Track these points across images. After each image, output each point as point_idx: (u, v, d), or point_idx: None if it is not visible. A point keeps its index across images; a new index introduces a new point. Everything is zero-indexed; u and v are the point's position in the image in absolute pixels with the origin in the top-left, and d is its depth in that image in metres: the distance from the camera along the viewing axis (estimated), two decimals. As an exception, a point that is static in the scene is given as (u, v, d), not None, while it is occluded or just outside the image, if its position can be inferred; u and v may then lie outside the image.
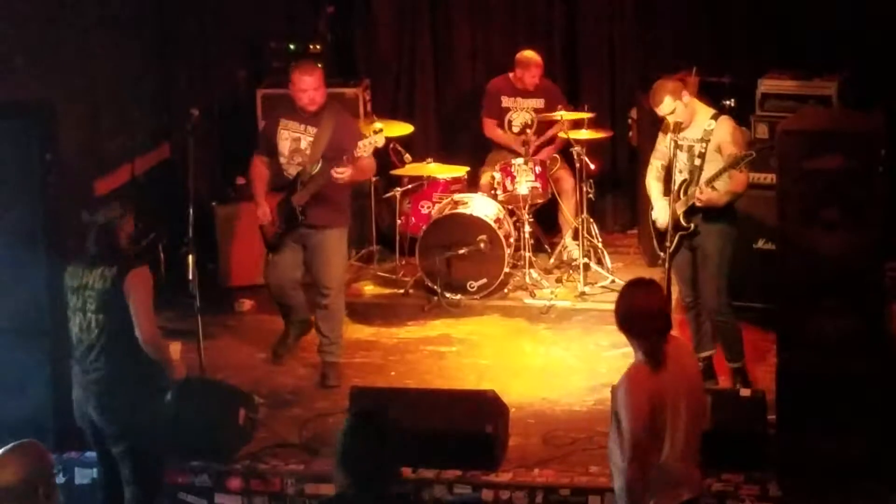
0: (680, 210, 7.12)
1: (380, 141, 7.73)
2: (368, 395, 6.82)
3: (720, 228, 7.17)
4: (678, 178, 7.16)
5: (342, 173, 7.49)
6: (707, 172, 7.03)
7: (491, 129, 9.73)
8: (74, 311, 5.97)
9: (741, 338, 7.37)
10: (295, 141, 7.72)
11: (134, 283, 5.87)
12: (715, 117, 7.15)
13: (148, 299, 5.94)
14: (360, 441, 4.36)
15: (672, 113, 7.09)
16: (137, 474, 5.95)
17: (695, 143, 7.11)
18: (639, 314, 5.03)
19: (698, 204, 7.05)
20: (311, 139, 7.68)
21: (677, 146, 7.14)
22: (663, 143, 7.27)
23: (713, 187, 6.99)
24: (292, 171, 7.73)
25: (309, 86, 7.66)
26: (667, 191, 7.24)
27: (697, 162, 7.08)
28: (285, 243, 7.80)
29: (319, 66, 7.98)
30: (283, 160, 7.75)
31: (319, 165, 7.63)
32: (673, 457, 5.06)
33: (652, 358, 5.04)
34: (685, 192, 7.11)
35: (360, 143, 7.62)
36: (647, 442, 4.97)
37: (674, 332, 5.19)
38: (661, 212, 7.28)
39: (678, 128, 7.13)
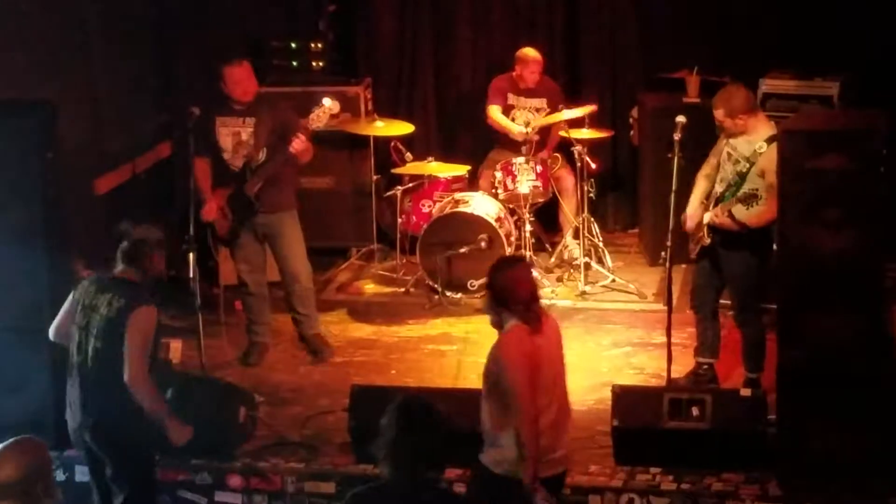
0: (705, 221, 7.09)
1: (335, 108, 7.99)
2: (369, 394, 6.82)
3: (742, 256, 7.07)
4: (718, 187, 7.10)
5: (301, 143, 7.67)
6: (742, 193, 6.93)
7: (495, 114, 9.59)
8: (78, 328, 5.84)
9: (762, 350, 7.26)
10: (235, 135, 7.86)
11: (137, 320, 5.71)
12: (770, 140, 6.88)
13: (143, 342, 5.75)
14: (409, 430, 4.35)
15: (721, 123, 7.00)
16: (131, 495, 5.88)
17: (741, 159, 6.97)
18: (510, 289, 5.40)
19: (713, 224, 7.02)
20: (251, 130, 7.82)
21: (728, 155, 7.04)
22: (721, 141, 7.15)
23: (730, 213, 6.93)
24: (238, 163, 7.86)
25: (241, 77, 7.82)
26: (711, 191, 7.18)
27: (737, 179, 6.97)
28: (241, 235, 7.93)
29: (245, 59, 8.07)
30: (226, 155, 7.88)
31: (265, 153, 7.80)
32: (548, 426, 5.34)
33: (528, 321, 5.36)
34: (715, 205, 7.05)
35: (314, 113, 7.85)
36: (533, 397, 5.28)
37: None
38: (691, 213, 7.19)
39: (729, 133, 7.04)
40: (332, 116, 8.14)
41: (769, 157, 6.79)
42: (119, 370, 5.71)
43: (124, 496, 5.86)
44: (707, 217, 7.08)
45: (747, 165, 6.94)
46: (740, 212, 6.92)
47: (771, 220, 6.82)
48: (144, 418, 5.81)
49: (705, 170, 7.24)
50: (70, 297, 5.96)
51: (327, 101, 7.96)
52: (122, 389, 5.73)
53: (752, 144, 6.96)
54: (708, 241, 7.10)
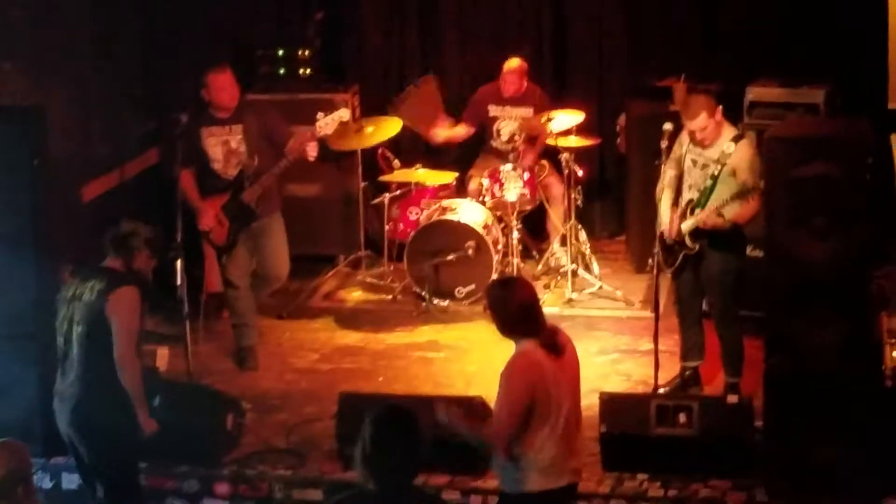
0: (686, 229, 7.10)
1: (345, 116, 8.10)
2: (356, 401, 6.82)
3: (724, 257, 7.11)
4: (687, 194, 7.12)
5: (315, 149, 7.90)
6: (717, 194, 6.96)
7: (448, 131, 9.75)
8: (62, 322, 5.86)
9: (741, 354, 7.32)
10: (225, 144, 7.95)
11: (118, 301, 5.72)
12: (736, 139, 6.99)
13: (131, 321, 5.77)
14: (388, 438, 4.33)
15: (703, 129, 6.97)
16: (111, 491, 5.88)
17: (710, 162, 7.00)
18: (531, 306, 5.24)
19: (703, 227, 7.03)
20: (240, 137, 7.91)
21: (694, 161, 7.08)
22: (678, 151, 7.17)
23: (720, 214, 6.94)
24: (232, 171, 7.96)
25: (226, 82, 7.93)
26: (677, 200, 7.20)
27: (709, 183, 6.99)
28: (237, 241, 8.02)
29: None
30: (217, 165, 7.96)
31: (256, 159, 7.91)
32: (552, 443, 5.18)
33: (549, 346, 5.20)
34: (692, 212, 7.08)
35: (323, 121, 7.90)
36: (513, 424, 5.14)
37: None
38: (669, 225, 7.18)
39: (699, 142, 7.03)
40: (342, 124, 8.21)
41: (738, 156, 6.93)
42: (101, 354, 5.72)
43: (105, 489, 5.87)
44: (687, 225, 7.08)
45: (718, 167, 6.98)
46: (730, 210, 6.94)
47: (756, 214, 6.89)
48: (126, 405, 5.79)
49: (665, 180, 7.25)
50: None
51: (344, 113, 8.09)
52: (106, 372, 5.73)
53: (718, 146, 7.00)
54: (695, 247, 7.11)
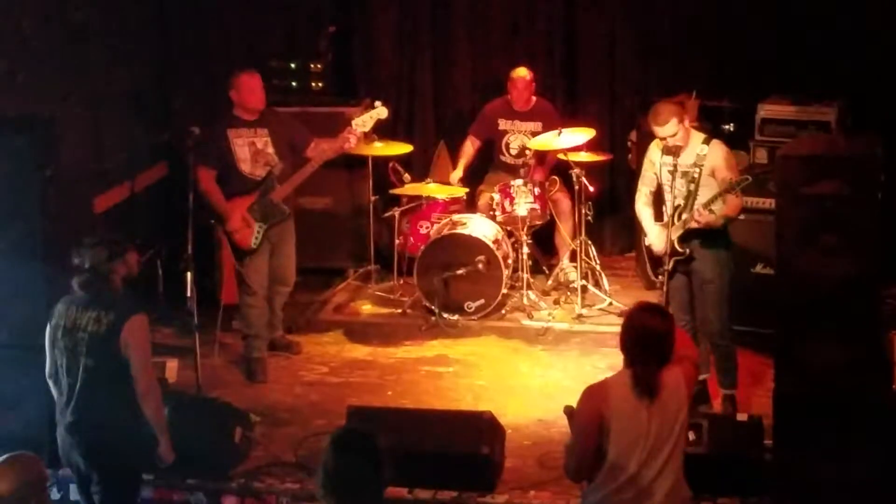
0: (675, 235, 7.13)
1: (383, 113, 8.29)
2: (365, 415, 6.82)
3: (716, 255, 7.18)
4: (672, 203, 7.15)
5: (354, 139, 8.14)
6: (702, 197, 7.05)
7: (464, 146, 9.77)
8: (63, 352, 5.76)
9: (736, 364, 7.39)
10: (251, 145, 8.05)
11: (133, 332, 5.67)
12: (706, 142, 7.15)
13: (147, 351, 5.77)
14: (348, 462, 4.27)
15: (673, 136, 7.08)
16: None
17: (688, 168, 7.11)
18: (644, 338, 5.17)
19: (695, 226, 7.06)
20: (267, 139, 8.03)
21: (671, 172, 7.15)
22: (651, 169, 7.31)
23: (711, 210, 7.01)
24: (260, 172, 8.05)
25: (258, 85, 8.07)
26: (657, 215, 7.29)
27: (691, 187, 7.09)
28: (262, 244, 8.07)
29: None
30: (245, 166, 8.03)
31: (280, 162, 8.06)
32: (621, 481, 5.10)
33: (639, 384, 5.13)
34: (679, 218, 7.13)
35: (360, 119, 8.16)
36: (587, 453, 5.13)
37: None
38: (655, 238, 7.30)
39: (677, 152, 7.13)
40: (379, 121, 8.37)
41: (714, 156, 7.09)
42: (108, 382, 5.69)
43: None
44: (677, 230, 7.11)
45: (697, 171, 7.09)
46: (718, 206, 7.00)
47: (741, 207, 7.14)
48: (137, 432, 5.78)
49: (642, 199, 7.39)
50: (48, 332, 5.88)
51: (382, 111, 8.27)
52: (116, 404, 5.71)
53: (692, 152, 7.12)
54: (685, 251, 7.13)
